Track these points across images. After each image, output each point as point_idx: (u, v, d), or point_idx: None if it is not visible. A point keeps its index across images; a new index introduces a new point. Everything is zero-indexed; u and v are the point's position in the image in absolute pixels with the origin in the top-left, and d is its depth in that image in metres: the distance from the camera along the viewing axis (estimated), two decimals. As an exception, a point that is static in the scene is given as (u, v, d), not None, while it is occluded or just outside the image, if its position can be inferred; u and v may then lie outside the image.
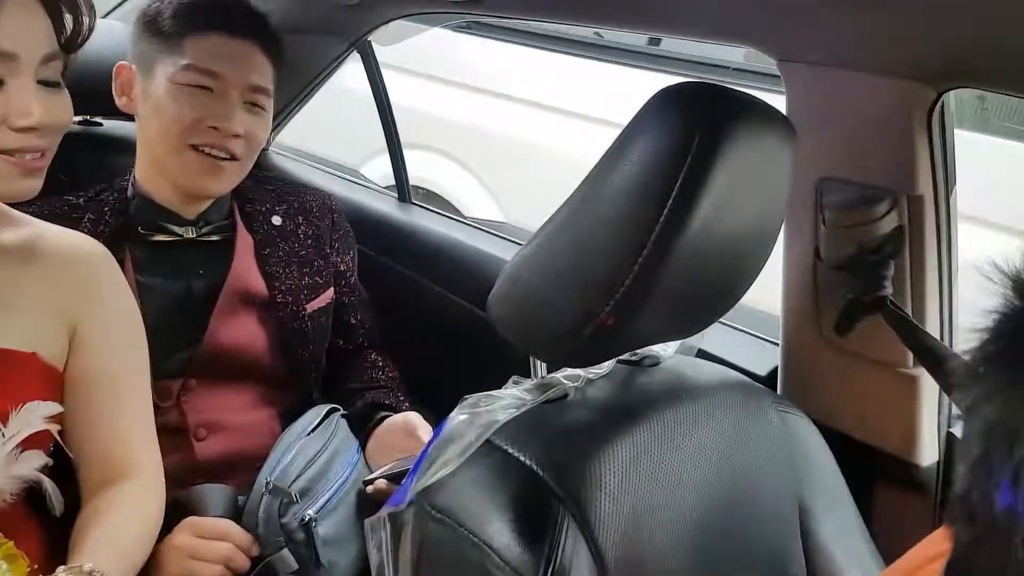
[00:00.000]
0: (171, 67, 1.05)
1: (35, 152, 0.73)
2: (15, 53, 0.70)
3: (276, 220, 1.23)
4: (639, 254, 0.62)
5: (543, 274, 0.68)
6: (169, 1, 1.08)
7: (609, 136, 0.68)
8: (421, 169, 2.85)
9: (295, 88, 1.55)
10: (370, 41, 1.47)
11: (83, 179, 1.17)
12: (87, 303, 0.88)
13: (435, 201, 2.85)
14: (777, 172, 0.69)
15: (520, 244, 1.38)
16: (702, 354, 1.01)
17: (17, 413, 0.77)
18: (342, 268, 1.30)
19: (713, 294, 0.75)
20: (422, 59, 3.05)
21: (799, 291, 0.99)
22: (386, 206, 1.63)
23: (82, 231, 1.03)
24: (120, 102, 1.12)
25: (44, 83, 0.74)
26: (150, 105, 1.08)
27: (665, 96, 0.64)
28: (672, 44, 2.68)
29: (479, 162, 2.94)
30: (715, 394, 0.81)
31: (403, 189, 1.64)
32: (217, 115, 1.07)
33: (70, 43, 0.76)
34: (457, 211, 2.89)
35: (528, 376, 0.77)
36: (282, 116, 1.64)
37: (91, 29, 0.79)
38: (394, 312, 1.43)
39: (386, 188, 1.80)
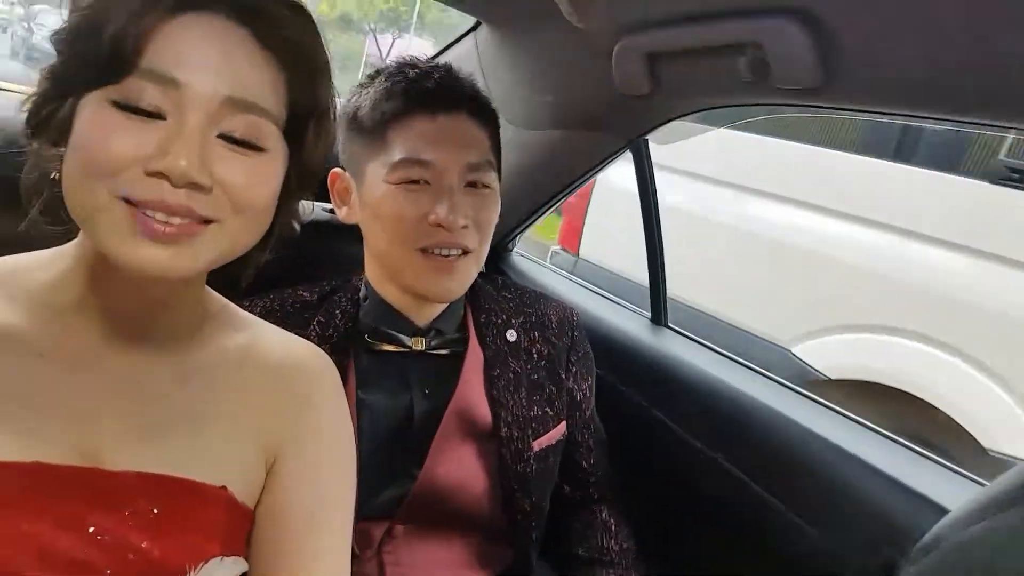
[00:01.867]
0: (380, 167, 0.94)
1: (169, 213, 0.53)
2: (179, 81, 0.53)
3: (511, 335, 1.07)
4: None
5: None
6: (366, 93, 0.97)
7: None
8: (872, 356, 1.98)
9: (555, 186, 1.40)
10: (646, 140, 1.28)
11: (324, 269, 1.08)
12: (298, 427, 0.72)
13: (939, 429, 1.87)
14: None
15: (849, 419, 1.11)
16: None
17: (196, 574, 0.60)
18: (578, 398, 1.11)
19: None
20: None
21: None
22: (636, 327, 1.39)
23: (310, 335, 0.93)
24: (341, 213, 1.02)
25: (227, 138, 0.56)
26: (368, 212, 0.97)
27: None
28: None
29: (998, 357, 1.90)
30: None
31: (659, 309, 1.39)
32: (438, 209, 0.92)
33: (297, 102, 0.60)
34: (975, 443, 1.87)
35: None
36: (537, 213, 1.49)
37: (322, 95, 0.62)
38: (636, 460, 1.17)
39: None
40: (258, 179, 0.58)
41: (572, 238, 3.16)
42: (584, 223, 3.07)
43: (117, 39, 0.52)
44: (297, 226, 0.69)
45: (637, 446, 1.22)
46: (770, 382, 1.20)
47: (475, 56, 1.32)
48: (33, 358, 0.57)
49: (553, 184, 1.42)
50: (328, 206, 1.40)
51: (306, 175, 0.64)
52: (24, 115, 0.58)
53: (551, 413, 1.05)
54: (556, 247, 3.31)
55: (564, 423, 1.07)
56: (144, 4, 0.53)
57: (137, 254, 0.53)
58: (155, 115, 0.53)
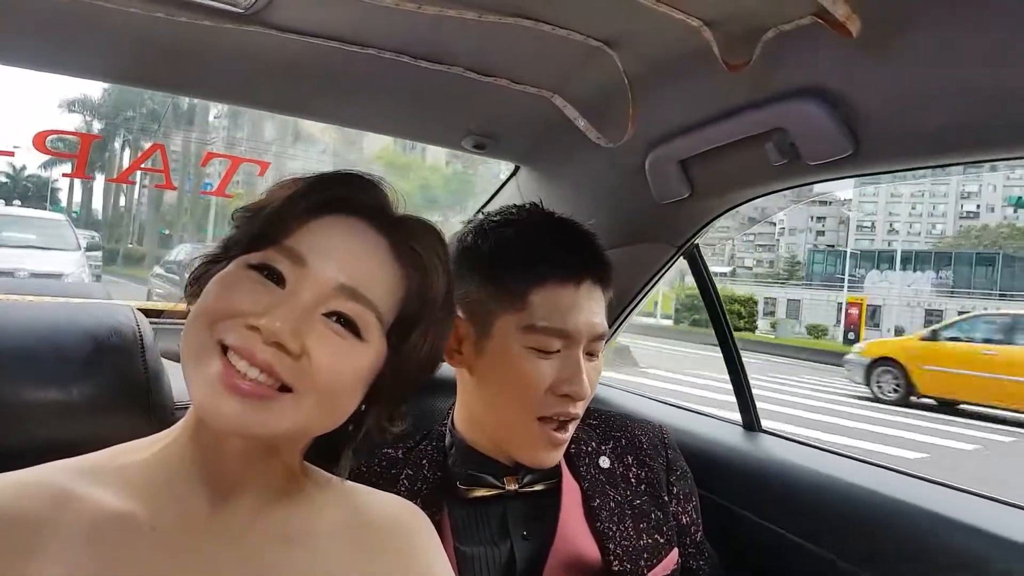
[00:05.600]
0: (515, 327, 0.90)
1: (252, 362, 0.57)
2: (306, 260, 0.60)
3: (604, 462, 1.01)
4: None
5: None
6: (500, 243, 0.94)
7: None
8: None
9: (617, 306, 1.39)
10: (697, 244, 1.28)
11: (408, 427, 1.08)
12: None
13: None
14: None
15: (979, 496, 1.00)
16: None
17: None
18: (684, 521, 1.02)
19: None
20: None
21: None
22: (729, 436, 1.31)
23: (400, 490, 0.91)
24: (450, 358, 0.96)
25: (329, 316, 0.60)
26: (490, 367, 0.93)
27: None
28: None
29: None
30: None
31: (750, 414, 1.32)
32: (568, 380, 0.89)
33: (408, 307, 0.65)
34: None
35: None
36: (608, 335, 1.48)
37: (439, 311, 0.67)
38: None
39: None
40: (345, 361, 0.60)
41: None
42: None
43: (269, 222, 0.61)
44: (390, 434, 0.71)
45: (751, 563, 1.11)
46: (884, 471, 1.10)
47: (519, 198, 1.39)
48: (147, 532, 0.59)
49: (614, 306, 1.42)
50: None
51: (401, 379, 0.67)
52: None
53: (662, 540, 0.97)
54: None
55: (676, 550, 0.99)
56: (297, 201, 0.62)
57: (216, 403, 0.57)
58: (274, 279, 0.60)
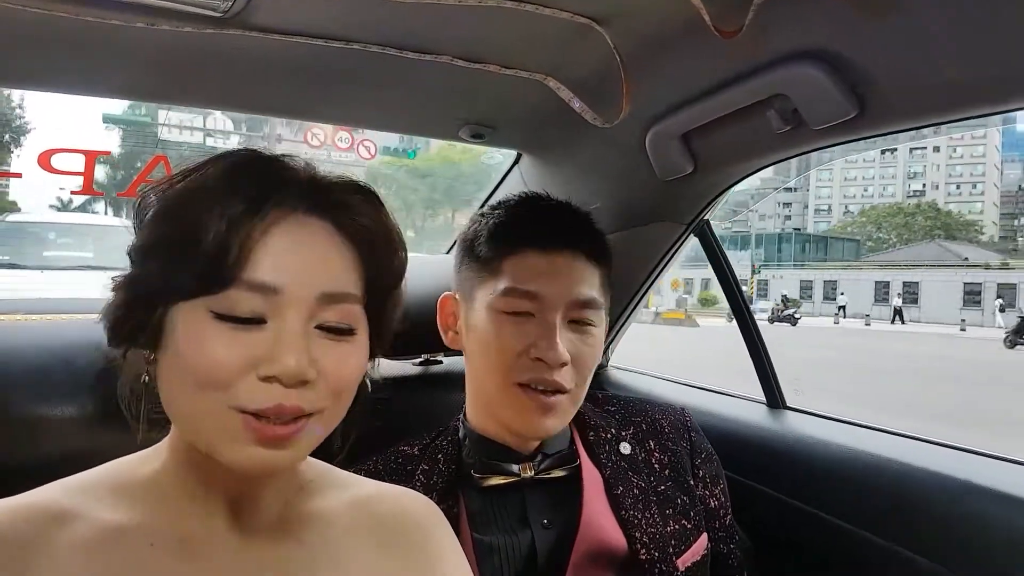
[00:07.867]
0: (489, 294, 0.93)
1: (282, 415, 0.55)
2: (278, 287, 0.55)
3: (625, 448, 0.99)
4: None
5: None
6: (486, 223, 0.97)
7: None
8: None
9: (630, 288, 1.37)
10: (708, 221, 1.25)
11: (423, 422, 1.07)
12: None
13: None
14: None
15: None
16: None
17: None
18: (712, 505, 1.00)
19: None
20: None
21: None
22: (753, 415, 1.28)
23: (415, 485, 0.90)
24: (446, 338, 1.01)
25: (323, 328, 0.58)
26: (473, 338, 0.96)
27: None
28: None
29: None
30: None
31: (773, 391, 1.28)
32: (540, 344, 0.89)
33: (374, 278, 0.63)
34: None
35: None
36: (622, 320, 1.46)
37: (398, 269, 0.66)
38: (786, 560, 1.02)
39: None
40: (351, 361, 0.59)
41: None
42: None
43: (217, 251, 0.54)
44: (369, 383, 0.69)
45: (783, 543, 1.08)
46: (914, 442, 1.06)
47: (522, 185, 1.37)
48: (144, 548, 0.58)
49: (628, 287, 1.40)
50: (418, 359, 1.44)
51: (383, 341, 0.66)
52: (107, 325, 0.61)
53: (689, 526, 0.95)
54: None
55: (705, 535, 0.97)
56: (238, 219, 0.55)
57: (245, 454, 0.55)
58: (254, 321, 0.55)
